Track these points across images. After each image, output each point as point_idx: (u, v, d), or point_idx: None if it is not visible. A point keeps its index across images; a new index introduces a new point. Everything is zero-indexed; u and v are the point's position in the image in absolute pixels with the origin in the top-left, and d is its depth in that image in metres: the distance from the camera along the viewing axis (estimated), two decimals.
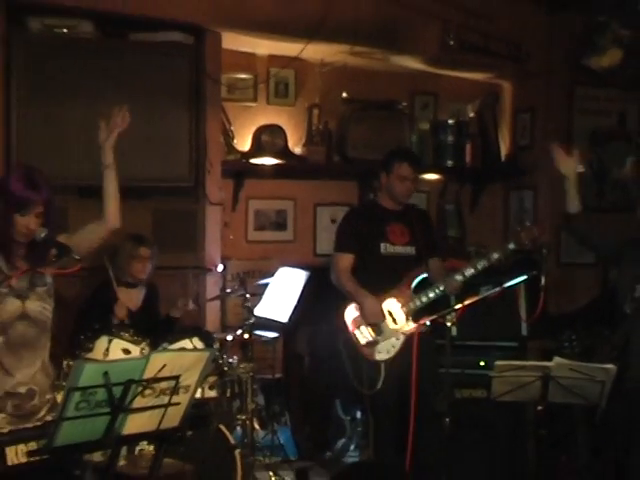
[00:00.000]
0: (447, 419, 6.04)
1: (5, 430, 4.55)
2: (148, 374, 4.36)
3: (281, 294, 7.86)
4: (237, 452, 6.71)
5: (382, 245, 6.94)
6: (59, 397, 4.70)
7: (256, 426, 7.56)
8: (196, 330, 7.13)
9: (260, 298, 7.82)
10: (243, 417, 7.27)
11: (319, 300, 7.58)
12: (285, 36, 8.14)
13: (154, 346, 6.32)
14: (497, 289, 6.42)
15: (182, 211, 8.06)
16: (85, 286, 6.90)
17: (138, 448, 5.56)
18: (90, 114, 7.45)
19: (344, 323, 6.85)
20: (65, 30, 7.48)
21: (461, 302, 6.26)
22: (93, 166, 6.93)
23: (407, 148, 8.32)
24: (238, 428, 7.24)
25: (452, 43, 8.28)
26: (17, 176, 4.90)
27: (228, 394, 7.12)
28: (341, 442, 8.20)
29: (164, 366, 4.41)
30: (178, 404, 4.57)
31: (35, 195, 4.81)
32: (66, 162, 7.30)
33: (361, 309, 6.80)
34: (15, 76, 7.35)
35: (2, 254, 4.84)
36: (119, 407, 4.30)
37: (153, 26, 7.71)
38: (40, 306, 4.95)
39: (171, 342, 6.48)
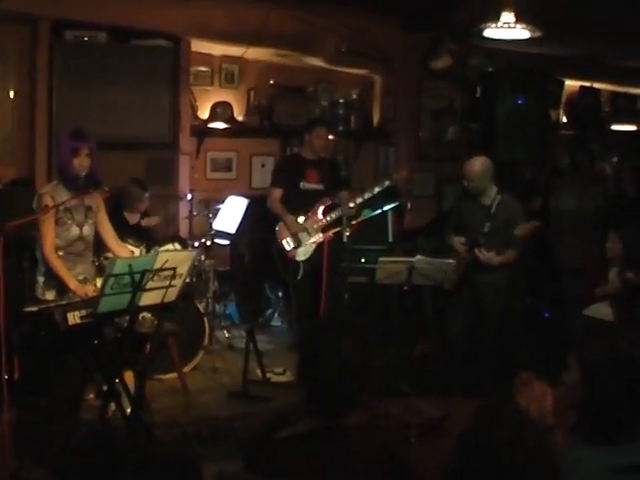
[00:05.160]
0: (346, 295, 6.18)
1: (65, 302, 4.63)
2: (156, 266, 4.47)
3: (230, 214, 7.90)
4: (206, 318, 6.84)
5: (301, 183, 7.03)
6: (99, 282, 4.80)
7: None
8: (175, 237, 7.18)
9: (216, 217, 7.83)
10: (208, 295, 7.38)
11: (255, 218, 7.71)
12: (232, 43, 8.12)
13: (148, 249, 6.33)
14: (376, 212, 6.57)
15: (164, 158, 7.97)
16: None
17: (141, 315, 5.55)
18: (104, 95, 7.45)
19: (275, 234, 6.97)
20: (87, 38, 7.40)
21: (353, 221, 6.40)
22: (105, 130, 7.00)
23: (323, 117, 8.38)
24: (204, 303, 7.26)
25: (343, 50, 8.32)
26: (68, 134, 4.93)
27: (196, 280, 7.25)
28: (268, 312, 8.34)
29: (166, 261, 4.52)
30: (175, 286, 4.69)
31: (82, 142, 4.84)
32: (88, 126, 7.18)
33: (285, 224, 6.92)
34: (55, 70, 7.26)
35: (66, 185, 4.88)
36: (138, 287, 4.41)
37: (146, 35, 7.61)
38: (90, 230, 5.01)
39: (160, 245, 6.47)
